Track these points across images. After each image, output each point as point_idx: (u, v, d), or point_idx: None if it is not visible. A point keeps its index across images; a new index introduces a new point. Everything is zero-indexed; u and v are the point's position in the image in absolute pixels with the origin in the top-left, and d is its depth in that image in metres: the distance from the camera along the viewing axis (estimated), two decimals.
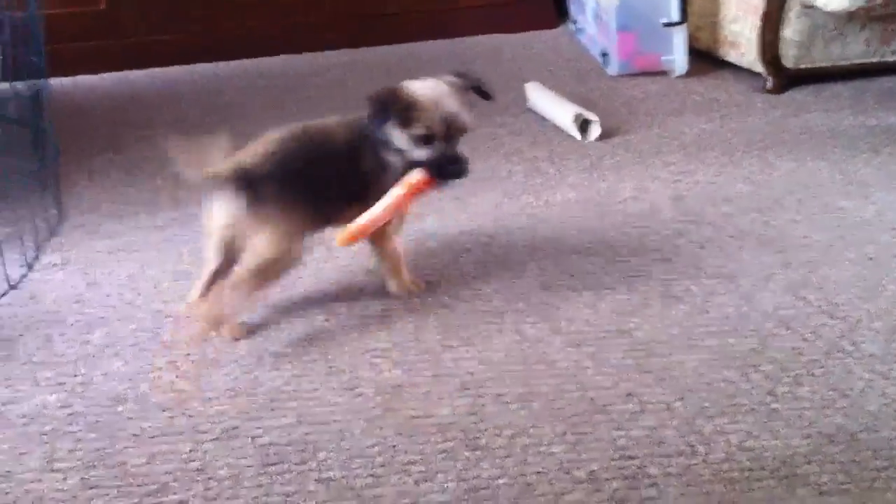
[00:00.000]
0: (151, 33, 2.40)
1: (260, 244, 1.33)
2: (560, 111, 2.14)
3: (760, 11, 2.32)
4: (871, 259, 1.63)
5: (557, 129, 2.14)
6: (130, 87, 2.31)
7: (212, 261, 1.40)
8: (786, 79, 2.38)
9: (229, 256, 1.38)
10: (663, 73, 2.48)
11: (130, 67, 2.38)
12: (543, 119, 2.19)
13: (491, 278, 1.56)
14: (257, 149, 1.37)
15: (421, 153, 1.38)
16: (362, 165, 1.41)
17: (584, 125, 2.11)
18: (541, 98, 2.20)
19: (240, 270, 1.34)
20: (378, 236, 1.45)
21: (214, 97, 2.24)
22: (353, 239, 1.36)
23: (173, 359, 1.34)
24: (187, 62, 2.42)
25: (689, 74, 2.45)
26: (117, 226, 1.70)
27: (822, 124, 2.19)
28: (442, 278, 1.56)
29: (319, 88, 2.32)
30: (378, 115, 1.35)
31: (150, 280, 1.55)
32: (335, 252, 1.62)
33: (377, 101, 1.35)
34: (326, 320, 1.43)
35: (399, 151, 1.39)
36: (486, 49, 2.44)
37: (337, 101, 2.24)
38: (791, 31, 2.31)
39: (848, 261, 1.62)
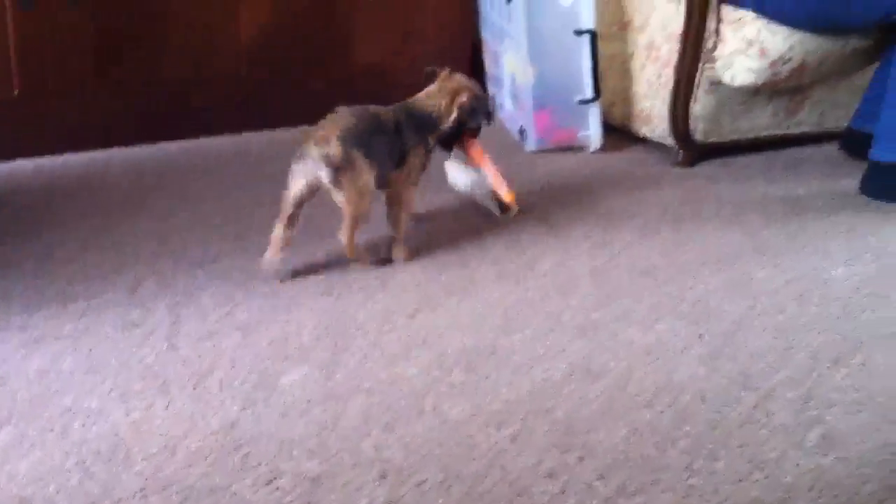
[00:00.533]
0: (67, 119, 2.38)
1: (351, 198, 1.77)
2: (478, 189, 2.16)
3: (670, 87, 2.40)
4: (782, 328, 1.67)
5: (479, 208, 2.16)
6: (44, 174, 2.27)
7: (286, 213, 1.82)
8: (697, 152, 2.46)
9: (297, 210, 1.82)
10: (580, 148, 2.54)
11: (43, 154, 2.35)
12: (464, 199, 2.21)
13: (412, 359, 1.56)
14: (338, 123, 1.78)
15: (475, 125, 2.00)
16: (406, 141, 1.88)
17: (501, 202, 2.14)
18: (460, 175, 2.22)
19: (344, 222, 1.80)
20: (396, 201, 1.90)
21: (136, 181, 2.22)
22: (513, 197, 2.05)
23: (82, 458, 1.30)
24: (106, 146, 2.40)
25: (604, 149, 2.51)
26: (28, 318, 1.66)
27: (734, 195, 2.26)
28: (363, 361, 1.55)
29: (245, 170, 2.32)
30: (473, 110, 1.97)
31: (61, 374, 1.51)
32: (251, 335, 1.60)
33: (475, 100, 1.97)
34: (243, 409, 1.41)
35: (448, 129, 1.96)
36: None
37: (270, 183, 2.24)
38: (700, 106, 2.39)
39: (760, 330, 1.66)
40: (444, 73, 2.00)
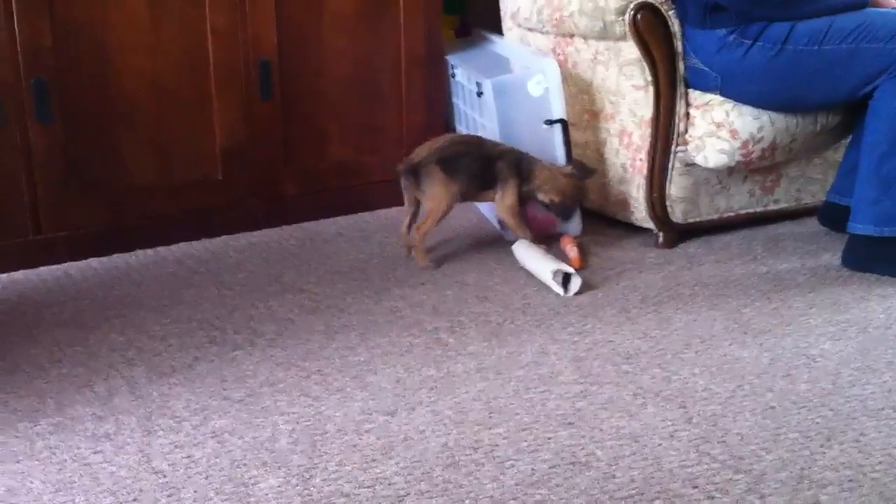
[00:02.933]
0: (38, 230, 2.37)
1: (434, 200, 2.29)
2: (539, 268, 2.23)
3: (644, 172, 2.41)
4: (771, 408, 1.63)
5: (459, 300, 2.14)
6: (15, 287, 2.25)
7: (408, 210, 2.35)
8: (676, 233, 2.45)
9: (416, 207, 2.35)
10: (560, 235, 2.53)
11: (14, 268, 2.33)
12: (445, 290, 2.19)
13: (392, 459, 1.51)
14: (433, 144, 2.33)
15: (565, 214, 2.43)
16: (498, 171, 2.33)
17: (565, 279, 2.16)
18: (526, 255, 2.30)
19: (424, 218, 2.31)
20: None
21: (109, 291, 2.20)
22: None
23: None
24: (79, 257, 2.38)
25: (583, 235, 2.50)
26: None
27: (715, 275, 2.25)
28: (342, 463, 1.50)
29: (217, 275, 2.30)
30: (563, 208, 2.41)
31: (30, 493, 1.45)
32: (226, 443, 1.55)
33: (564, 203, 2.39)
34: None
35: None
36: (392, 221, 2.48)
37: (243, 287, 2.22)
38: (676, 188, 2.40)
39: (749, 411, 1.62)
40: (573, 172, 2.39)
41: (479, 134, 2.63)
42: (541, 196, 2.35)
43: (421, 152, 2.32)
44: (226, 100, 2.52)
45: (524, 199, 2.37)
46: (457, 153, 2.30)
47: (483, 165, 2.31)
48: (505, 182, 2.32)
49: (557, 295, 2.14)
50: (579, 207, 2.46)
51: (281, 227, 2.62)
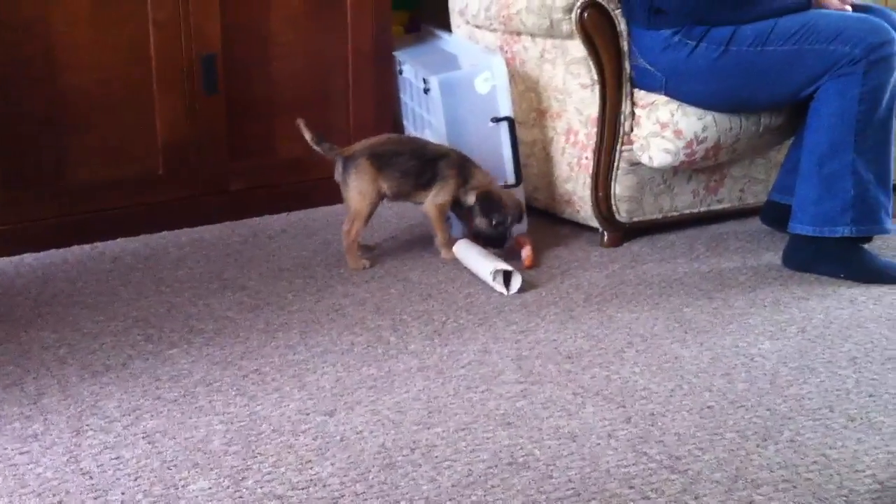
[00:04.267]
0: None
1: (357, 195, 2.25)
2: (479, 267, 2.21)
3: (590, 170, 2.41)
4: (709, 407, 1.64)
5: (402, 298, 2.12)
6: None
7: (347, 206, 2.30)
8: (621, 232, 2.45)
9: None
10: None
11: None
12: (388, 288, 2.17)
13: (328, 460, 1.49)
14: (369, 140, 2.30)
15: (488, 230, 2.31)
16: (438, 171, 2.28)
17: (506, 277, 2.14)
18: (467, 255, 2.27)
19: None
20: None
21: (43, 288, 2.15)
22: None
23: None
24: (14, 253, 2.32)
25: (529, 233, 2.49)
26: None
27: (658, 274, 2.25)
28: (276, 465, 1.47)
29: (156, 272, 2.26)
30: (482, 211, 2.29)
31: None
32: (158, 443, 1.52)
33: (483, 203, 2.28)
34: None
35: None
36: (339, 218, 2.45)
37: (182, 285, 2.18)
38: (621, 186, 2.40)
39: (687, 411, 1.63)
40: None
41: (426, 131, 2.62)
42: (469, 199, 2.30)
43: (355, 147, 2.29)
44: (168, 94, 2.48)
45: (459, 203, 2.32)
46: (391, 151, 2.28)
47: (421, 164, 2.27)
48: (444, 180, 2.28)
49: (501, 294, 2.13)
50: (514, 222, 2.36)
51: (224, 223, 2.58)
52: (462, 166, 2.30)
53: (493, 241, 2.30)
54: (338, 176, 2.28)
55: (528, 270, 2.24)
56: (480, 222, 2.29)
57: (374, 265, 2.28)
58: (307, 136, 2.25)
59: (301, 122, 2.26)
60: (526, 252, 2.32)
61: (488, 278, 2.16)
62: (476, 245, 2.30)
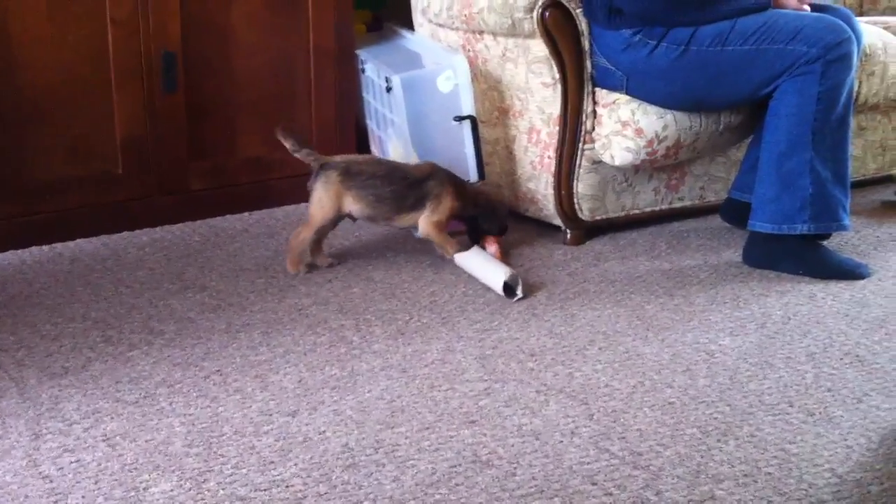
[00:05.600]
0: None
1: (316, 204, 2.21)
2: (488, 275, 2.17)
3: (552, 169, 2.42)
4: (670, 403, 1.65)
5: (365, 297, 2.11)
6: None
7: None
8: (583, 230, 2.47)
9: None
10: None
11: None
12: (351, 287, 2.17)
13: (290, 461, 1.48)
14: (351, 156, 2.33)
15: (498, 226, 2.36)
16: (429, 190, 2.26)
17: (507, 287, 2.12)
18: (473, 262, 2.24)
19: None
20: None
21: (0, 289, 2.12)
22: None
23: None
24: None
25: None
26: None
27: (620, 272, 2.27)
28: (238, 466, 1.46)
29: (115, 272, 2.23)
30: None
31: None
32: (118, 446, 1.50)
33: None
34: None
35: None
36: (300, 217, 2.43)
37: (142, 285, 2.16)
38: (583, 185, 2.41)
39: (648, 407, 1.64)
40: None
41: (389, 130, 2.61)
42: (476, 208, 2.31)
43: (334, 158, 2.26)
44: (127, 92, 2.45)
45: (457, 215, 2.30)
46: (367, 172, 2.23)
47: (403, 189, 2.23)
48: (438, 198, 2.24)
49: (465, 292, 2.13)
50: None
51: (185, 223, 2.55)
52: (452, 180, 2.29)
53: (502, 231, 2.36)
54: (310, 182, 2.24)
55: None
56: (491, 222, 2.33)
57: (310, 272, 2.24)
58: (287, 144, 2.22)
59: (279, 130, 2.23)
60: (493, 250, 2.32)
61: (497, 287, 2.12)
62: (482, 252, 2.28)
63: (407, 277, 2.22)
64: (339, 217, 2.25)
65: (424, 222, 2.26)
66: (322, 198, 2.20)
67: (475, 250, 2.29)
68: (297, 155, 2.23)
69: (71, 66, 2.37)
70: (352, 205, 2.22)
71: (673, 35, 2.26)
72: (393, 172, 2.25)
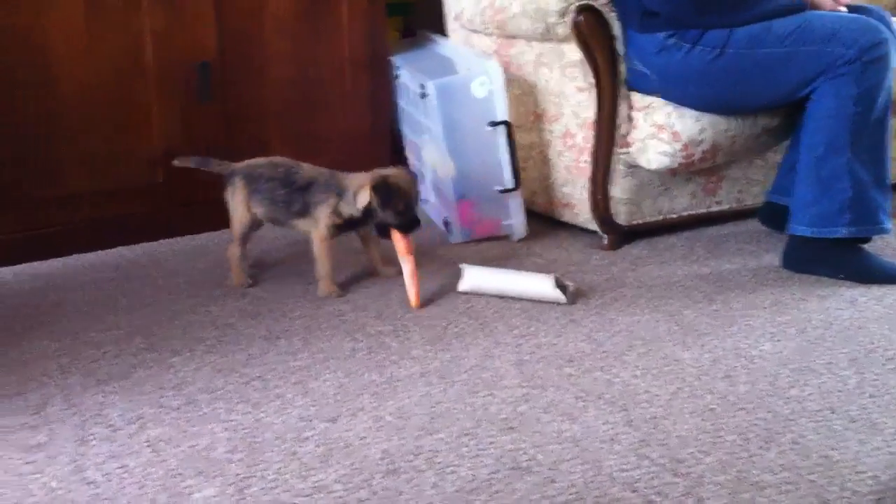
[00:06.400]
0: None
1: (232, 213, 2.21)
2: (531, 282, 2.11)
3: (588, 174, 2.41)
4: (710, 409, 1.64)
5: (403, 304, 2.12)
6: None
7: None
8: (620, 235, 2.46)
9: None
10: (504, 237, 2.53)
11: None
12: (389, 294, 2.17)
13: (332, 467, 1.49)
14: (254, 160, 2.23)
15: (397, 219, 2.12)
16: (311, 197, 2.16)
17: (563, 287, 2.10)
18: (492, 277, 2.16)
19: None
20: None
21: (43, 298, 2.15)
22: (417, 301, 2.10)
23: None
24: (14, 262, 2.32)
25: (528, 237, 2.50)
26: None
27: (658, 276, 2.26)
28: (280, 472, 1.48)
29: (156, 280, 2.26)
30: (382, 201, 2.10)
31: None
32: (162, 452, 1.52)
33: (380, 192, 2.09)
34: None
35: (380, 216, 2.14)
36: None
37: (182, 292, 2.19)
38: (619, 189, 2.41)
39: (688, 413, 1.63)
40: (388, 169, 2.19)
41: (424, 136, 2.62)
42: (359, 200, 2.12)
43: (238, 164, 2.22)
44: (164, 102, 2.49)
45: (349, 223, 2.17)
46: (265, 175, 2.18)
47: (289, 193, 2.16)
48: (318, 206, 2.15)
49: (501, 297, 2.13)
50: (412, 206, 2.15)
51: (223, 230, 2.57)
52: (333, 184, 2.16)
53: (406, 227, 2.13)
54: (224, 193, 2.22)
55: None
56: (385, 215, 2.11)
57: (254, 285, 2.23)
58: (192, 164, 2.25)
59: (177, 160, 2.25)
60: (401, 247, 2.14)
61: (549, 289, 2.09)
62: (500, 269, 2.20)
63: (444, 282, 2.23)
64: (253, 220, 2.21)
65: (314, 233, 2.18)
66: (233, 206, 2.20)
67: (480, 268, 2.18)
68: (205, 169, 2.24)
69: (108, 77, 2.41)
70: (255, 207, 2.19)
71: (708, 37, 2.25)
72: (288, 176, 2.18)
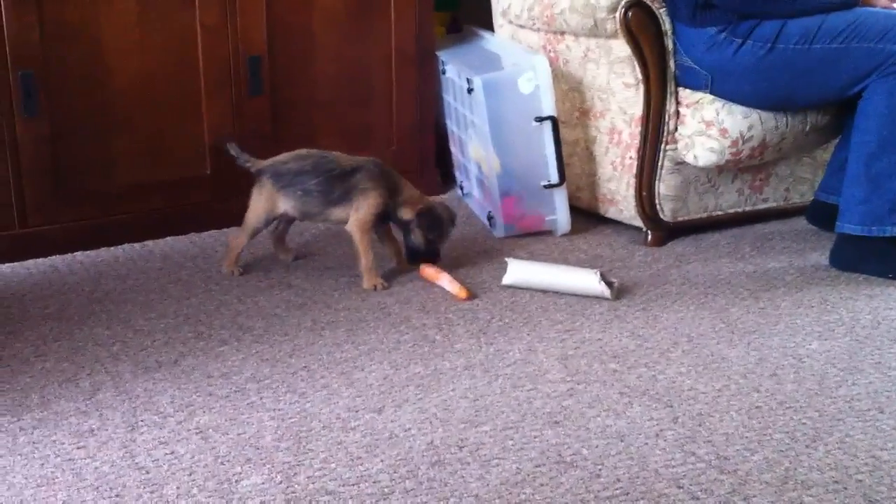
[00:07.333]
0: (25, 224, 2.36)
1: (250, 208, 2.22)
2: (575, 277, 2.12)
3: (634, 170, 2.41)
4: (756, 407, 1.63)
5: (447, 297, 2.13)
6: (2, 281, 2.24)
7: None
8: (665, 231, 2.45)
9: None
10: (548, 232, 2.53)
11: (4, 261, 2.33)
12: (432, 286, 2.19)
13: (377, 457, 1.51)
14: (280, 157, 2.24)
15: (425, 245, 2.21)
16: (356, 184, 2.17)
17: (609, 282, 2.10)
18: (537, 271, 2.17)
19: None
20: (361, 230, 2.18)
21: (95, 286, 2.19)
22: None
23: None
24: (65, 251, 2.37)
25: (572, 232, 2.50)
26: None
27: (703, 274, 2.24)
28: (327, 461, 1.50)
29: (205, 270, 2.29)
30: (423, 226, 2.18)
31: (12, 488, 1.44)
32: (210, 439, 1.54)
33: (425, 218, 2.18)
34: None
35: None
36: None
37: (230, 282, 2.21)
38: (665, 186, 2.39)
39: (735, 411, 1.62)
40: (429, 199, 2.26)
41: (470, 131, 2.63)
42: (405, 213, 2.19)
43: (266, 161, 2.23)
44: (215, 96, 2.51)
45: (387, 216, 2.21)
46: (294, 169, 2.18)
47: (328, 181, 2.16)
48: (364, 193, 2.16)
49: (545, 292, 2.13)
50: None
51: None
52: (385, 177, 2.19)
53: (428, 256, 2.22)
54: (253, 189, 2.24)
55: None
56: (416, 238, 2.20)
57: (243, 274, 2.25)
58: (227, 149, 2.26)
59: (223, 142, 2.29)
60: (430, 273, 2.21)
61: (593, 286, 2.09)
62: (538, 262, 2.22)
63: (487, 277, 2.24)
64: (271, 219, 2.23)
65: (352, 218, 2.18)
66: (253, 203, 2.21)
67: (526, 262, 2.20)
68: (236, 161, 2.24)
69: (160, 71, 2.44)
70: (285, 204, 2.19)
71: (759, 33, 2.23)
72: (319, 165, 2.18)
